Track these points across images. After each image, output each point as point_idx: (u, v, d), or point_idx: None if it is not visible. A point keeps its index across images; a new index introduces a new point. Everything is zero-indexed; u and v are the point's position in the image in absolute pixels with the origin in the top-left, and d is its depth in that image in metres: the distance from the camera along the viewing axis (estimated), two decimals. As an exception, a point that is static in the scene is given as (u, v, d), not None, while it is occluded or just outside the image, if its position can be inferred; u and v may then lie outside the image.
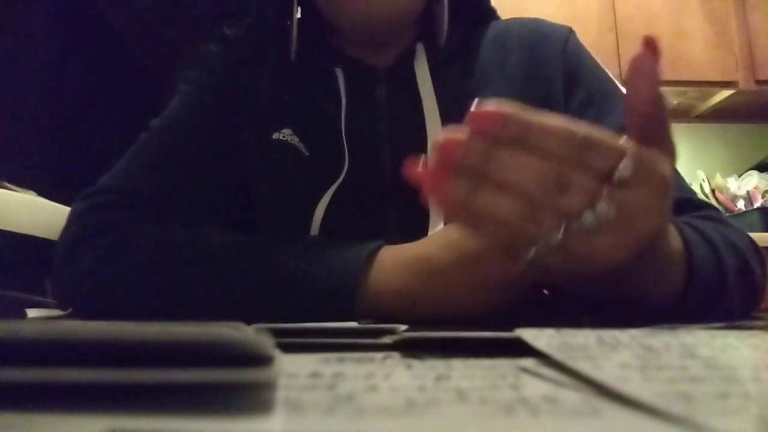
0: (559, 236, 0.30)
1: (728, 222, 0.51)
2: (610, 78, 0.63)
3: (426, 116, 0.57)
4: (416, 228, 0.53)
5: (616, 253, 0.31)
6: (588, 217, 0.30)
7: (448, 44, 0.61)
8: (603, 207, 0.30)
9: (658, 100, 0.32)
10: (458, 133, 0.31)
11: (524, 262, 0.32)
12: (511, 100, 0.31)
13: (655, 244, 0.35)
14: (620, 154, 0.30)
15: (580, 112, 0.60)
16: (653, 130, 0.32)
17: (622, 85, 0.32)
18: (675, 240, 0.39)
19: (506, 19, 0.68)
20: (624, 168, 0.30)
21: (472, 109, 0.31)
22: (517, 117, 0.30)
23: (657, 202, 0.31)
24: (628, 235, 0.31)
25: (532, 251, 0.31)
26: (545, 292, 0.44)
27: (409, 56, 0.61)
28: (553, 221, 0.31)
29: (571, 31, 0.65)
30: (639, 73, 0.32)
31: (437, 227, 0.53)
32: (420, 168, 0.31)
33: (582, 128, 0.31)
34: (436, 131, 0.57)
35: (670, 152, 0.33)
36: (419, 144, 0.56)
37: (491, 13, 0.68)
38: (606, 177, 0.30)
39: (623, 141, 0.31)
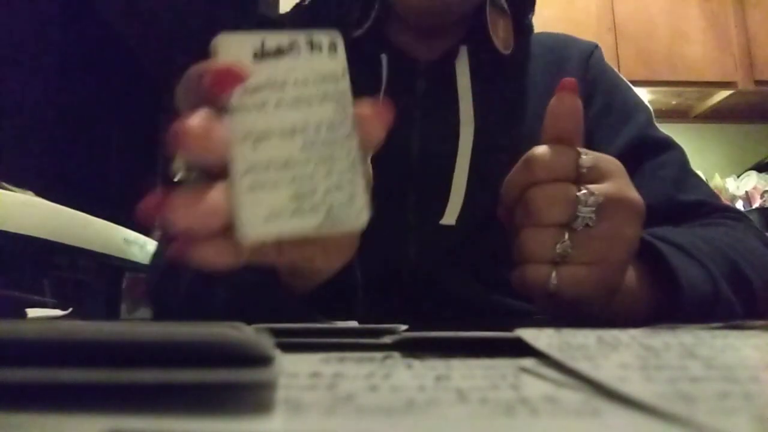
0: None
1: (744, 224, 0.52)
2: (631, 90, 0.65)
3: (461, 115, 0.58)
4: (432, 213, 0.55)
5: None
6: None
7: (496, 53, 0.62)
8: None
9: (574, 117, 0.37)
10: None
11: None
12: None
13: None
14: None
15: (599, 119, 0.61)
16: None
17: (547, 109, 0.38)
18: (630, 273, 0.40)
19: (537, 33, 0.69)
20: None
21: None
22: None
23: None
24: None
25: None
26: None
27: (452, 54, 0.61)
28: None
29: (596, 47, 0.67)
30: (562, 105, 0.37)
31: (454, 211, 0.55)
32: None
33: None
34: (469, 131, 0.58)
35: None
36: (449, 140, 0.57)
37: (531, 27, 0.69)
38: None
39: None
